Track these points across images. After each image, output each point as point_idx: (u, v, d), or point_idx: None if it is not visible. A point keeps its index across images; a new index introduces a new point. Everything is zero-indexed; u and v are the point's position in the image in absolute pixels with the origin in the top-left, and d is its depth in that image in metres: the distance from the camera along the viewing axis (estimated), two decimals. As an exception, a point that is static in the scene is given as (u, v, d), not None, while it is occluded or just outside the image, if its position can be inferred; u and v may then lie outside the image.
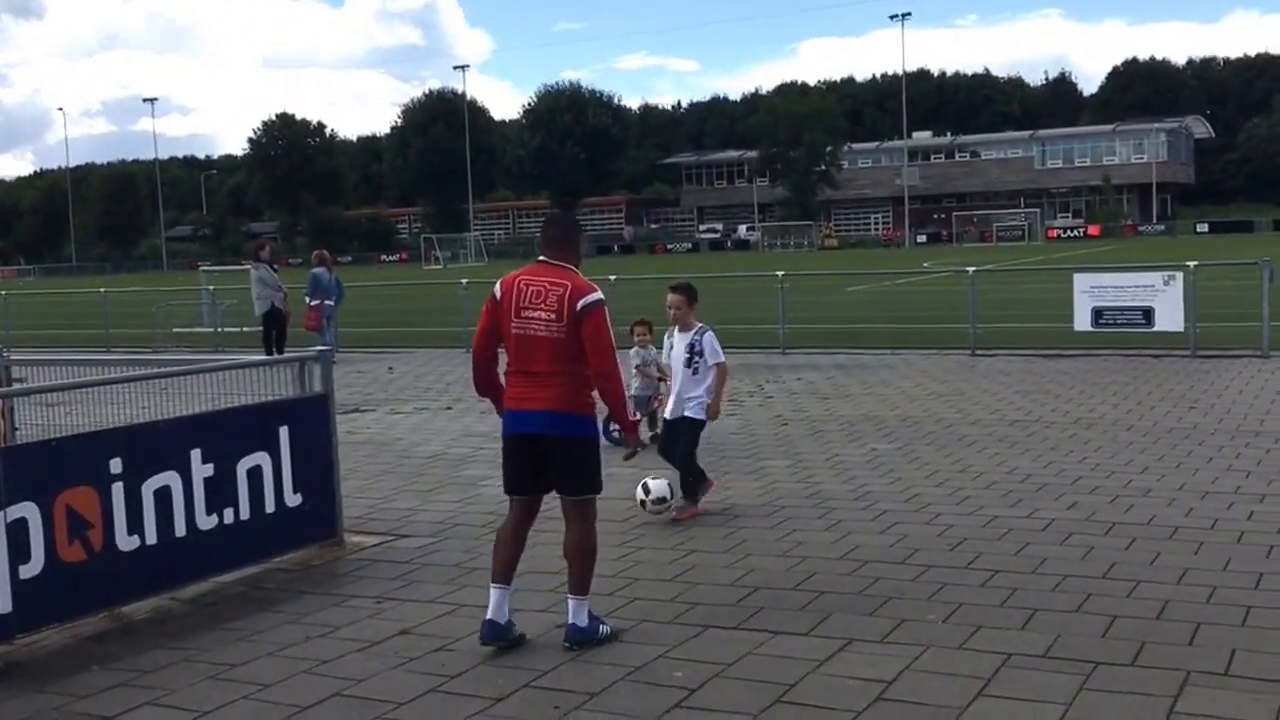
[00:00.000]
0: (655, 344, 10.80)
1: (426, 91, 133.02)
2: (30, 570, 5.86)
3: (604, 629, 5.93)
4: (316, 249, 24.25)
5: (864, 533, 7.86)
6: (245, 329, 24.26)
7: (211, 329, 26.70)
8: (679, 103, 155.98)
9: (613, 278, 20.89)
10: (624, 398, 6.00)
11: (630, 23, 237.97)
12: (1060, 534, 7.61)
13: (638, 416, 8.48)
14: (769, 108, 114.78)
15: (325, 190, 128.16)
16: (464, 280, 23.80)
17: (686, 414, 8.53)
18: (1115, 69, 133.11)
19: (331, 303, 20.38)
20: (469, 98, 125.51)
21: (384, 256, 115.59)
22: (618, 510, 8.36)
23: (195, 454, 6.70)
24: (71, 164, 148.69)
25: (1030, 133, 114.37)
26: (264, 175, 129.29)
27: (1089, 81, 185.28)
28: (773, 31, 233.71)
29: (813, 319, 24.54)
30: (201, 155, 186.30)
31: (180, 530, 6.60)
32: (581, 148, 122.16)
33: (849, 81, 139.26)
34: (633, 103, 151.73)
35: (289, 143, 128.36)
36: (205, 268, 43.22)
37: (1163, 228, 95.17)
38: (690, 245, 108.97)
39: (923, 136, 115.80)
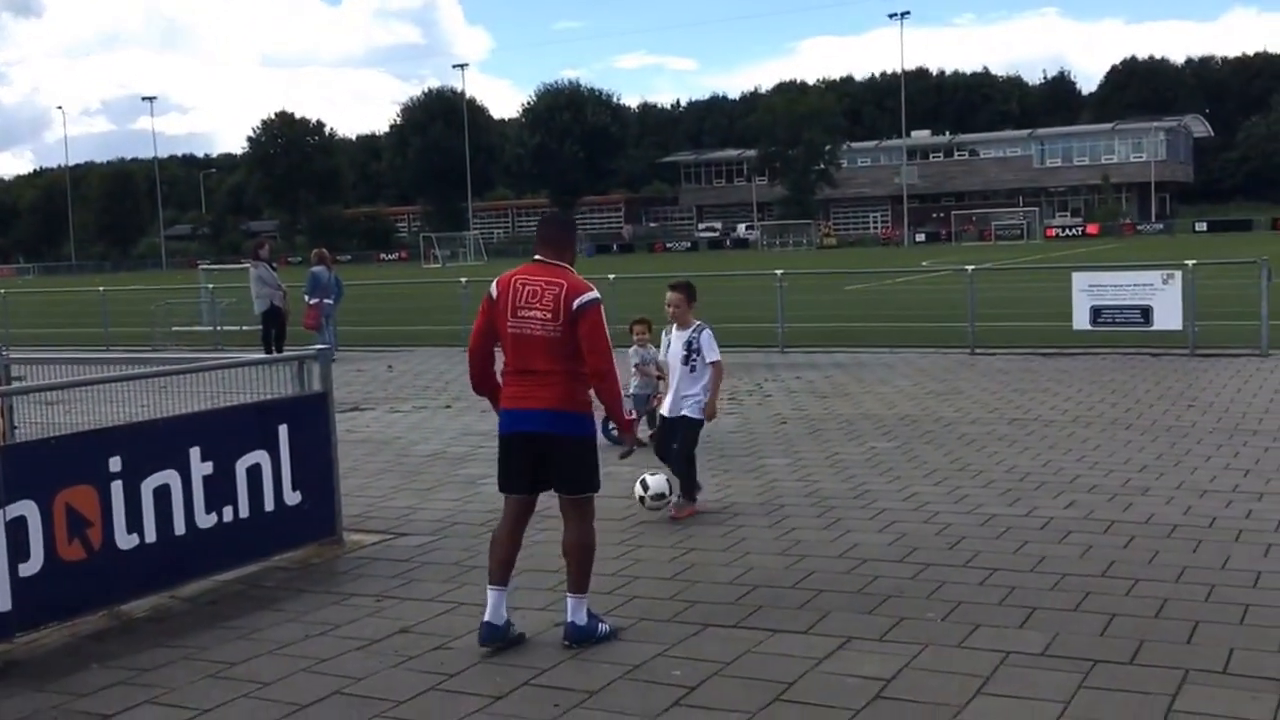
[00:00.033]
0: (654, 343, 10.80)
1: (425, 90, 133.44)
2: (30, 568, 5.87)
3: (603, 627, 5.94)
4: (316, 248, 24.26)
5: (863, 531, 7.87)
6: (244, 327, 24.27)
7: (211, 327, 26.70)
8: (678, 101, 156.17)
9: (611, 276, 20.90)
10: (620, 396, 6.01)
11: (629, 21, 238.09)
12: (1059, 532, 7.62)
13: (634, 415, 8.48)
14: (768, 106, 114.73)
15: (324, 189, 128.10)
16: (463, 279, 23.80)
17: (684, 414, 8.53)
18: (1114, 68, 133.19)
19: (330, 301, 20.39)
20: (468, 96, 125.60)
21: (383, 255, 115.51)
22: (616, 509, 8.37)
23: (194, 452, 6.71)
24: (71, 162, 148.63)
25: (1029, 132, 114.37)
26: (263, 174, 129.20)
27: (1088, 80, 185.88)
28: (772, 30, 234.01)
29: (811, 318, 24.55)
30: (200, 154, 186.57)
31: (180, 528, 6.61)
32: (580, 146, 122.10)
33: (848, 80, 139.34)
34: (632, 101, 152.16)
35: (288, 141, 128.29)
36: (204, 266, 43.25)
37: (1161, 226, 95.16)
38: (689, 244, 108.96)
39: (921, 135, 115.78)
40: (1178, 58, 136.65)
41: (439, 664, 5.69)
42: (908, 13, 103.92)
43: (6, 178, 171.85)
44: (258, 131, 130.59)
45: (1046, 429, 11.39)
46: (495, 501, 6.09)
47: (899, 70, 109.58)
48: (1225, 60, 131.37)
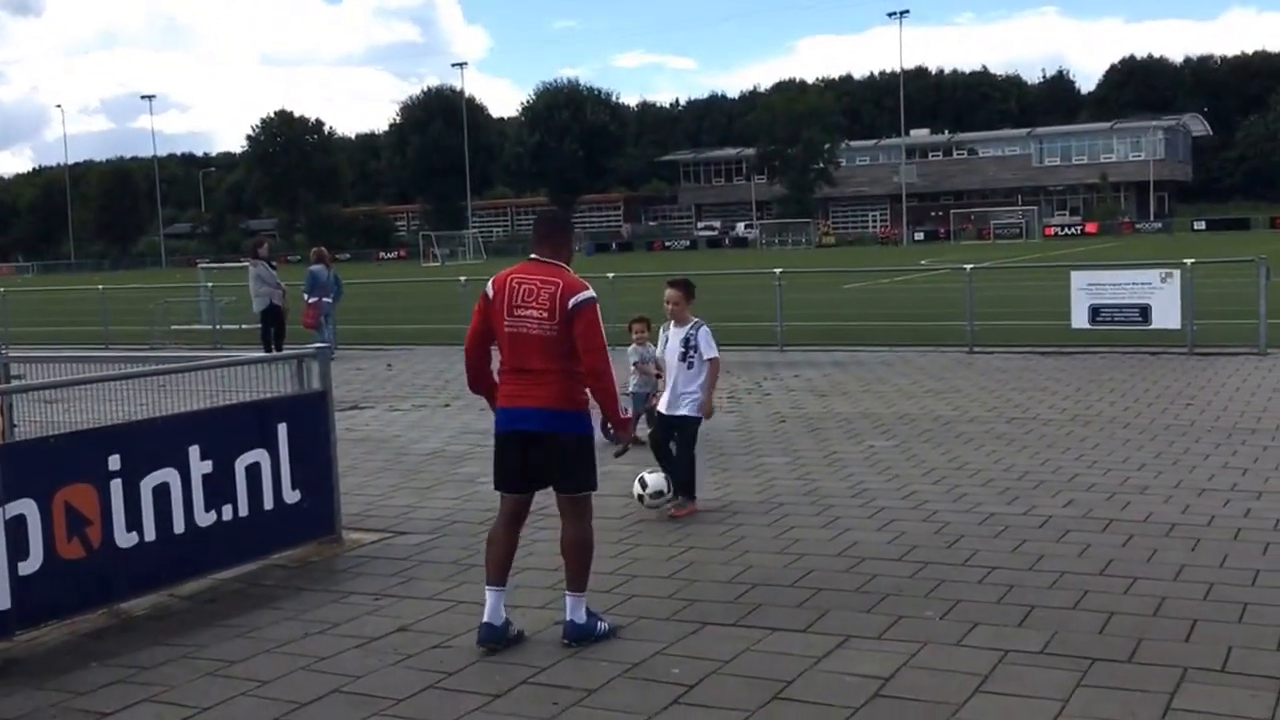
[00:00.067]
0: (653, 341, 10.80)
1: (425, 89, 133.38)
2: (29, 567, 5.87)
3: (602, 626, 5.94)
4: (315, 246, 24.24)
5: (861, 530, 7.87)
6: (244, 326, 24.26)
7: (210, 326, 26.68)
8: (677, 100, 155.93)
9: (611, 275, 20.89)
10: (615, 395, 6.02)
11: (628, 20, 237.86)
12: (1057, 531, 7.63)
13: (629, 413, 8.48)
14: (767, 105, 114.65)
15: (323, 187, 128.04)
16: (462, 277, 23.80)
17: (683, 412, 8.54)
18: (1113, 67, 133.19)
19: (330, 300, 20.40)
20: (467, 95, 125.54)
21: (382, 254, 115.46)
22: (615, 507, 8.37)
23: (194, 451, 6.71)
24: (70, 161, 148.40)
25: (1028, 130, 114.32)
26: (262, 172, 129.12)
27: (1086, 79, 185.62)
28: (771, 29, 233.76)
29: (810, 316, 24.56)
30: (200, 152, 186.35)
31: (179, 527, 6.61)
32: (580, 145, 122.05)
33: (847, 79, 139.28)
34: (631, 100, 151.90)
35: (287, 140, 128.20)
36: (204, 265, 43.28)
37: (1160, 225, 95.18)
38: (688, 243, 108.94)
39: (920, 134, 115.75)
40: (1176, 57, 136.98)
41: (438, 662, 5.69)
42: (907, 11, 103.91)
43: (6, 176, 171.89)
44: (257, 130, 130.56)
45: (1045, 427, 11.39)
46: (494, 500, 6.10)
47: (898, 69, 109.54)
48: (1224, 59, 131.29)
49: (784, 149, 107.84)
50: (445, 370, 18.23)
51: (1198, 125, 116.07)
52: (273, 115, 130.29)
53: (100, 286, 31.21)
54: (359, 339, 23.91)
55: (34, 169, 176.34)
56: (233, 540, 6.98)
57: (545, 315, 5.75)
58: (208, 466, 6.77)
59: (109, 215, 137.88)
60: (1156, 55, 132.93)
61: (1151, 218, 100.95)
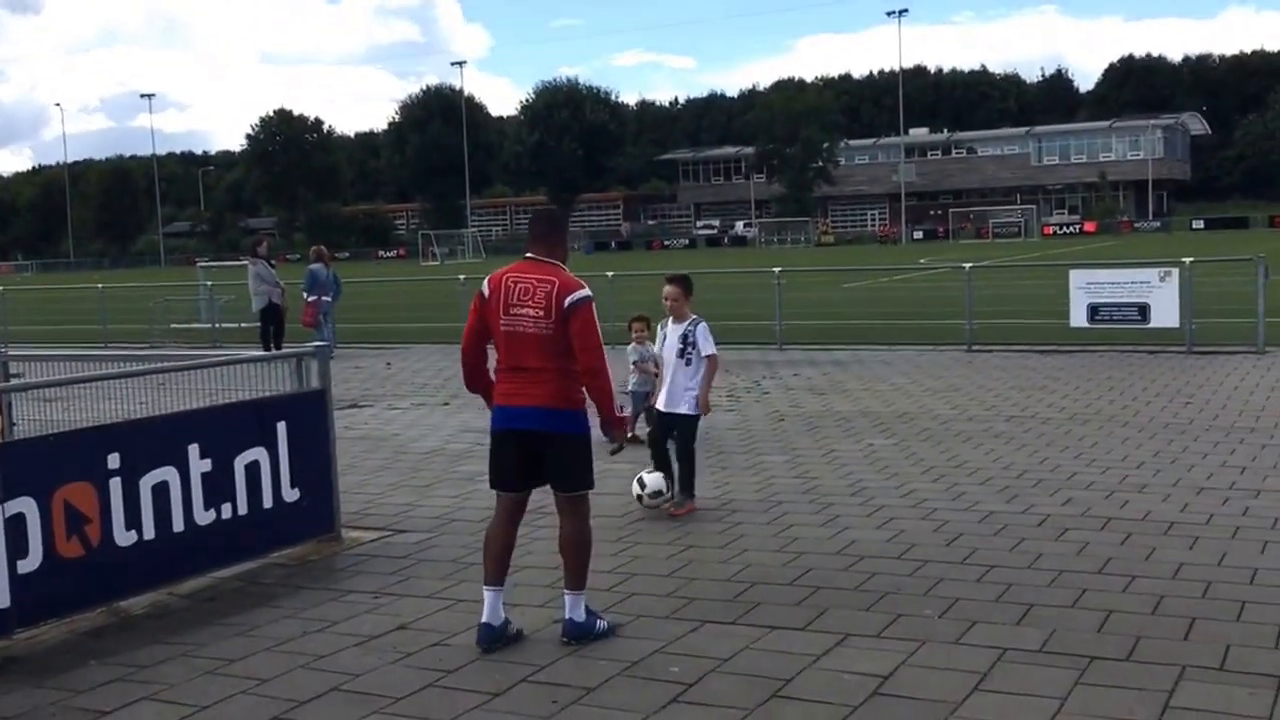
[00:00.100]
0: (653, 340, 10.81)
1: (424, 87, 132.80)
2: (28, 565, 5.88)
3: (601, 624, 5.95)
4: (314, 245, 24.22)
5: (860, 528, 7.88)
6: (243, 325, 24.26)
7: (209, 325, 26.68)
8: (676, 99, 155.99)
9: (610, 274, 20.90)
10: (611, 394, 6.01)
11: (628, 19, 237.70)
12: (1056, 529, 7.63)
13: (625, 412, 8.48)
14: (766, 104, 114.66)
15: (323, 186, 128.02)
16: (461, 276, 23.79)
17: (681, 410, 8.54)
18: (1112, 65, 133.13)
19: (329, 299, 20.41)
20: (467, 94, 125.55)
21: (381, 252, 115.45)
22: (614, 506, 8.37)
23: (193, 449, 6.71)
24: (69, 160, 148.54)
25: (1027, 129, 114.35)
26: (262, 171, 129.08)
27: (1085, 78, 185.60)
28: (770, 28, 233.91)
29: (809, 315, 24.57)
30: (199, 151, 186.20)
31: (178, 525, 6.62)
32: (579, 144, 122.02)
33: (846, 78, 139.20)
34: (630, 99, 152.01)
35: (287, 139, 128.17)
36: (203, 263, 43.27)
37: (1159, 224, 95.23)
38: (687, 241, 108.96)
39: (919, 133, 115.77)
40: (1175, 56, 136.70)
41: (437, 660, 5.70)
42: (906, 10, 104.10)
43: (5, 175, 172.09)
44: (256, 129, 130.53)
45: (1044, 426, 11.40)
46: (493, 498, 6.10)
47: (897, 68, 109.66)
48: (1223, 58, 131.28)
49: (783, 148, 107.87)
50: (444, 368, 18.22)
51: (1196, 124, 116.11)
52: (272, 114, 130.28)
53: (99, 285, 31.19)
54: (358, 337, 23.91)
55: (33, 168, 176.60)
56: (232, 538, 6.98)
57: (541, 314, 5.75)
58: (207, 465, 6.77)
59: (108, 214, 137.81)
60: (1155, 54, 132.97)
61: (1150, 216, 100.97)
